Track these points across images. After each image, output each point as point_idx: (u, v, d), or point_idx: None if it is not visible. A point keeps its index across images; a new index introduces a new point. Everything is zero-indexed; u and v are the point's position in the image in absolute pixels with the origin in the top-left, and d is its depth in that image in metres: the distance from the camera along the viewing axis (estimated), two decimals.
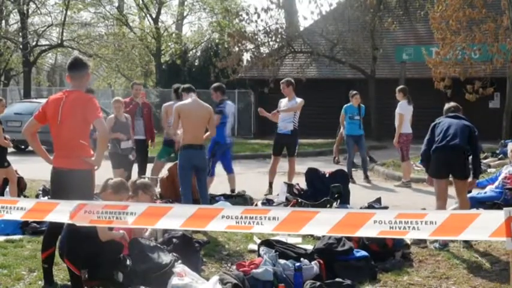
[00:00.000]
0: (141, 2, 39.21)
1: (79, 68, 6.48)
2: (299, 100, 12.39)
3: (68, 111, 6.24)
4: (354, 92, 15.53)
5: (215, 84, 11.83)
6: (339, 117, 15.90)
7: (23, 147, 20.87)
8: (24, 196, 11.00)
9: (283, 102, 12.49)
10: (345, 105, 15.44)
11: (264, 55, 27.26)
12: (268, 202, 10.78)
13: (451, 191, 8.64)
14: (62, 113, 6.25)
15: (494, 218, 4.29)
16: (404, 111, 13.69)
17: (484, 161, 15.63)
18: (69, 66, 6.53)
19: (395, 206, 10.42)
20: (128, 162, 11.20)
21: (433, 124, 8.54)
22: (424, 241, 8.14)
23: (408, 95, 13.87)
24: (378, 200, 10.13)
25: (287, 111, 12.34)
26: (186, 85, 9.97)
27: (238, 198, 11.12)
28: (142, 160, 12.13)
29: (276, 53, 27.28)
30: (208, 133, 9.40)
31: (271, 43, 27.71)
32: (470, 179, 8.45)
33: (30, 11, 37.62)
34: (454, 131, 8.23)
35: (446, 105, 8.82)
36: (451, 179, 8.47)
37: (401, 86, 14.75)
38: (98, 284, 6.50)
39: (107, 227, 6.30)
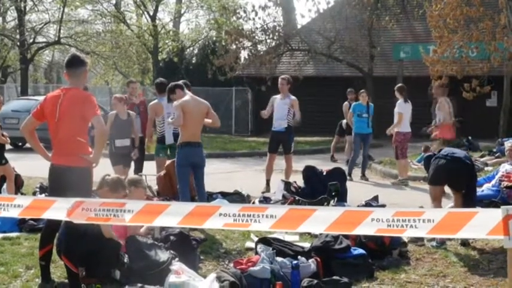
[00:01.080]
0: None
1: (77, 65, 6.46)
2: (294, 98, 12.43)
3: (65, 108, 6.23)
4: (361, 90, 15.65)
5: (179, 82, 11.39)
6: (335, 115, 15.95)
7: (20, 144, 20.84)
8: (21, 193, 10.98)
9: (278, 99, 12.49)
10: (353, 104, 15.48)
11: (262, 53, 27.26)
12: (265, 200, 10.79)
13: (448, 189, 8.66)
14: (60, 111, 6.24)
15: (492, 216, 4.30)
16: (402, 110, 13.71)
17: (481, 159, 15.66)
18: (67, 63, 6.51)
19: (393, 204, 10.42)
20: (126, 159, 11.19)
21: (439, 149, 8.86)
22: (421, 239, 8.15)
23: (405, 93, 13.89)
24: (375, 198, 10.14)
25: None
26: (179, 82, 9.80)
27: (236, 196, 11.13)
28: (139, 158, 12.10)
29: (274, 50, 27.26)
30: (210, 121, 9.32)
31: (268, 41, 27.72)
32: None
33: (27, 8, 37.54)
34: (460, 152, 8.61)
35: None
36: None
37: (398, 85, 14.78)
38: (95, 281, 6.50)
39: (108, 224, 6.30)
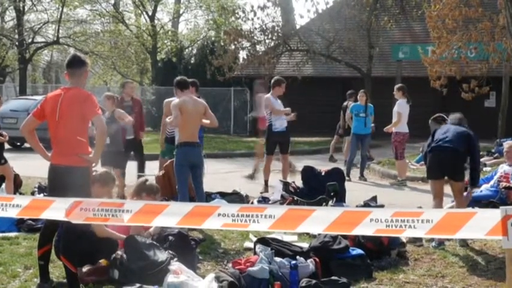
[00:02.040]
0: None
1: (78, 65, 6.45)
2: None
3: (66, 108, 6.22)
4: (361, 90, 15.68)
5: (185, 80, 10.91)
6: (335, 115, 15.95)
7: (19, 144, 20.83)
8: (20, 193, 10.98)
9: (273, 100, 12.51)
10: (352, 104, 15.48)
11: (260, 53, 27.25)
12: (264, 200, 10.79)
13: (448, 189, 8.65)
14: (60, 110, 6.23)
15: (491, 216, 4.30)
16: (402, 110, 13.71)
17: (480, 160, 15.65)
18: (68, 64, 6.51)
19: (391, 204, 10.42)
20: (111, 158, 10.93)
21: (434, 129, 8.63)
22: (420, 239, 8.15)
23: (407, 93, 13.90)
24: (374, 199, 10.15)
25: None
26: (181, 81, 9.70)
27: (234, 196, 11.12)
28: (139, 159, 12.05)
29: (272, 51, 27.26)
30: (208, 121, 9.30)
31: (267, 41, 27.70)
32: (466, 180, 8.49)
33: (26, 8, 37.57)
34: (452, 135, 8.30)
35: (452, 115, 8.84)
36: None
37: (400, 85, 14.77)
38: (94, 281, 6.50)
39: (103, 224, 6.30)
